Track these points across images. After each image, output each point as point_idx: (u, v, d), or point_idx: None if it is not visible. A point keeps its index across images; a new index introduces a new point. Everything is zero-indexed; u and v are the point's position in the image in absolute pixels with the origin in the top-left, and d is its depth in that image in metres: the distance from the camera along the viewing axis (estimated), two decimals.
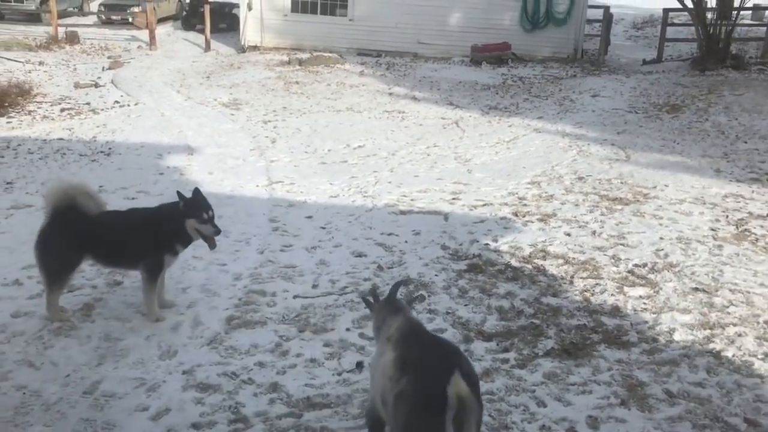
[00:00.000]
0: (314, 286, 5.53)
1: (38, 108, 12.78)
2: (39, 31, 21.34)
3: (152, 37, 20.50)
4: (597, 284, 5.60)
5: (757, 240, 6.59)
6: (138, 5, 22.96)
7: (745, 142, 10.43)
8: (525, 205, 7.59)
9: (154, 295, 4.85)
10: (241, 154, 9.84)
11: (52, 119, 11.98)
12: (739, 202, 7.72)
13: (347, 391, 4.08)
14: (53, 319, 4.75)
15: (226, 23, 22.95)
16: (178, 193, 4.70)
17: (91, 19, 24.59)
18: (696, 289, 5.51)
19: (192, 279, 5.55)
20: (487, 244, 6.44)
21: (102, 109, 12.77)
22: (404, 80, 16.52)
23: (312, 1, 20.04)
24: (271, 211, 7.39)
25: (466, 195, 7.97)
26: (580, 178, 8.58)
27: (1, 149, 9.82)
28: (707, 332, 4.85)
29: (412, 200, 7.77)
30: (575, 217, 7.18)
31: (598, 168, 9.06)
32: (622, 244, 6.43)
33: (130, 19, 23.43)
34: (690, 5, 17.65)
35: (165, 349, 4.50)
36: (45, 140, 10.44)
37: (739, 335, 4.80)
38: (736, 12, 17.74)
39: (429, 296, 5.34)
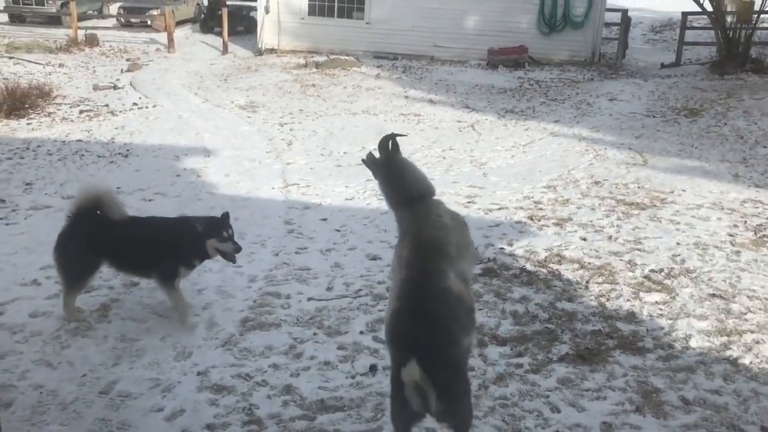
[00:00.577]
0: (329, 289, 5.54)
1: (58, 110, 12.94)
2: (59, 34, 21.61)
3: (170, 39, 20.68)
4: (613, 289, 5.56)
5: None
6: (157, 8, 23.17)
7: (765, 147, 10.32)
8: (540, 209, 7.56)
9: (181, 298, 4.85)
10: (257, 156, 9.89)
11: (71, 121, 12.12)
12: (757, 207, 7.64)
13: (361, 395, 4.08)
14: (70, 320, 4.79)
15: (244, 26, 23.11)
16: (193, 218, 4.84)
17: (111, 21, 24.85)
18: (713, 296, 5.45)
19: (207, 281, 5.58)
20: (502, 248, 6.42)
21: (120, 111, 12.89)
22: (420, 83, 16.52)
23: (329, 4, 20.12)
24: (287, 214, 7.42)
25: (481, 198, 7.95)
26: (597, 183, 8.53)
27: (21, 150, 9.95)
28: (724, 339, 4.80)
29: None
30: (591, 221, 7.14)
31: (614, 172, 9.01)
32: (639, 249, 6.38)
33: (149, 22, 23.64)
34: (709, 8, 17.51)
35: (180, 350, 4.53)
36: (64, 142, 10.56)
37: (757, 342, 4.74)
38: (756, 15, 17.57)
39: None
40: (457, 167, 9.36)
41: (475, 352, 4.57)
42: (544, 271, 5.91)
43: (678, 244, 6.51)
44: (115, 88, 15.18)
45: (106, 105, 13.42)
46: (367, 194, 8.13)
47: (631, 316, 5.12)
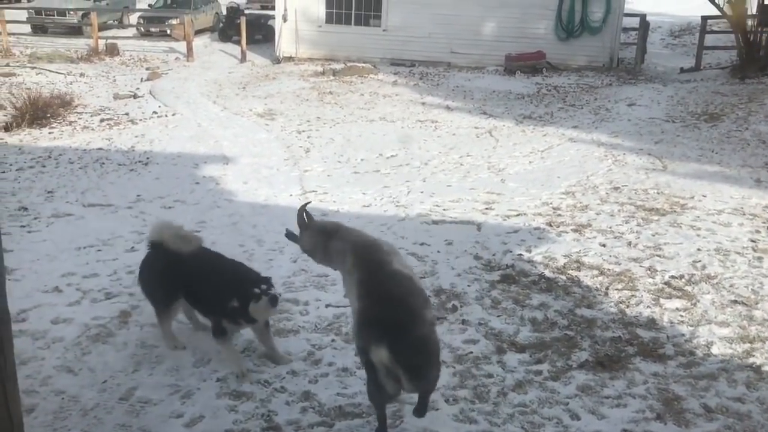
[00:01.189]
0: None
1: (79, 118, 13.10)
2: (80, 44, 21.91)
3: (189, 48, 20.87)
4: (632, 296, 5.52)
5: None
6: (176, 18, 23.41)
7: None
8: (559, 215, 7.52)
9: (232, 352, 4.44)
10: (275, 163, 9.94)
11: (92, 129, 12.26)
12: None
13: None
14: (168, 347, 4.62)
15: (262, 34, 23.26)
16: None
17: (131, 31, 25.13)
18: (735, 302, 5.39)
19: None
20: (520, 254, 6.40)
21: (140, 120, 13.02)
22: (437, 90, 16.53)
23: (346, 12, 20.20)
24: None
25: (499, 205, 7.92)
26: (616, 188, 8.48)
27: (43, 159, 10.08)
28: (747, 346, 4.74)
29: (444, 210, 7.76)
30: (610, 227, 7.09)
31: (634, 178, 8.94)
32: (659, 255, 6.33)
33: (168, 31, 23.87)
34: (729, 12, 17.35)
35: (199, 357, 4.55)
36: (85, 150, 10.69)
37: None
38: None
39: (461, 306, 5.32)
40: (474, 173, 9.34)
41: (493, 359, 4.56)
42: (563, 277, 5.88)
43: (699, 250, 6.44)
44: (135, 96, 15.35)
45: (126, 114, 13.57)
46: (384, 201, 8.14)
47: (651, 323, 5.07)
